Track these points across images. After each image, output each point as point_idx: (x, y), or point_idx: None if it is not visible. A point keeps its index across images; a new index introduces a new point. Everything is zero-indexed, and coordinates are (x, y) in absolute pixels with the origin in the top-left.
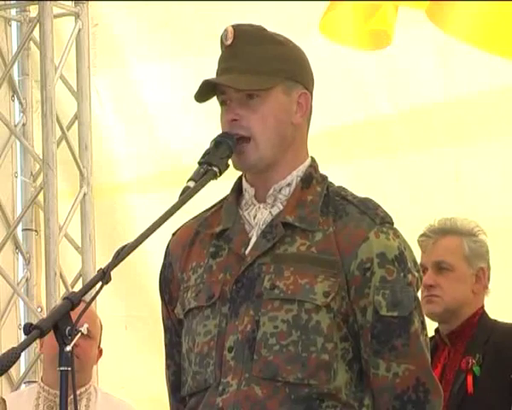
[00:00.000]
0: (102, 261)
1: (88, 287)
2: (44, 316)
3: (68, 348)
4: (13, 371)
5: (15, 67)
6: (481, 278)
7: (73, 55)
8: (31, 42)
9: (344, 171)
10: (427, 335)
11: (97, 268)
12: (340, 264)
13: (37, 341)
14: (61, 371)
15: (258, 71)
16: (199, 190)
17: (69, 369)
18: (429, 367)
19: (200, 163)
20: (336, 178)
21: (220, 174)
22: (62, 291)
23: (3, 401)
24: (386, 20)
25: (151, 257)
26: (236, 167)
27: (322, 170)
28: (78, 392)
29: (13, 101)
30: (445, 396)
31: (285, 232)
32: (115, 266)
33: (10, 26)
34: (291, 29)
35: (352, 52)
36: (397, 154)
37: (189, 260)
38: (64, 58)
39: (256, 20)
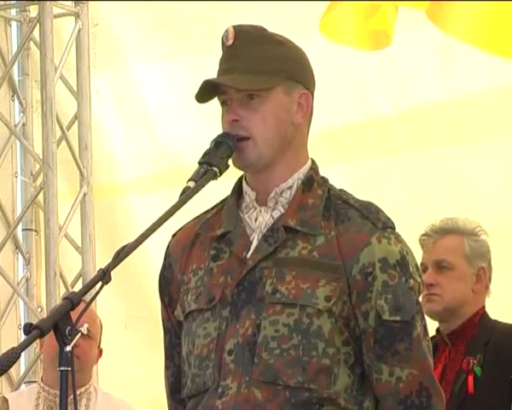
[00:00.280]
0: (102, 261)
1: (88, 287)
2: (44, 316)
3: (68, 348)
4: (13, 371)
5: (15, 67)
6: (482, 277)
7: (73, 55)
8: (31, 42)
9: (344, 171)
10: (429, 339)
11: (97, 268)
12: (341, 268)
13: (37, 341)
14: (61, 371)
15: (258, 71)
16: (199, 190)
17: (69, 369)
18: (432, 372)
19: (200, 163)
20: (336, 179)
21: (220, 174)
22: (62, 291)
23: (6, 400)
24: (386, 20)
25: (151, 257)
26: (236, 165)
27: (322, 170)
28: (77, 392)
29: (13, 101)
30: (446, 396)
31: (287, 236)
32: (115, 266)
33: (10, 26)
34: (291, 29)
35: (352, 52)
36: (397, 154)
37: (190, 262)
38: (64, 58)
39: (256, 20)
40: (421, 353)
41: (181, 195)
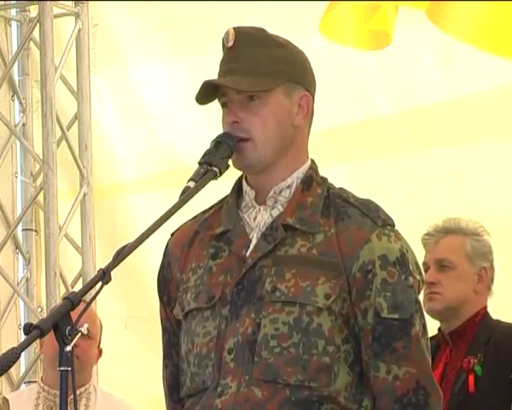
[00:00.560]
0: (102, 261)
1: (88, 287)
2: (44, 316)
3: (68, 348)
4: (13, 371)
5: (15, 67)
6: (484, 277)
7: (73, 55)
8: (31, 42)
9: (344, 171)
10: (427, 338)
11: (97, 268)
12: (341, 266)
13: (37, 341)
14: (61, 371)
15: (259, 73)
16: (199, 190)
17: (69, 369)
18: (430, 371)
19: (200, 163)
20: (336, 179)
21: (220, 174)
22: (62, 291)
23: (6, 400)
24: (386, 20)
25: (151, 257)
26: (235, 166)
27: (323, 170)
28: (77, 392)
29: (13, 101)
30: (446, 396)
31: (286, 234)
32: (115, 266)
33: (10, 26)
34: (291, 29)
35: (352, 52)
36: (397, 154)
37: (188, 260)
38: (64, 58)
39: (256, 20)
40: (419, 351)
41: (181, 195)
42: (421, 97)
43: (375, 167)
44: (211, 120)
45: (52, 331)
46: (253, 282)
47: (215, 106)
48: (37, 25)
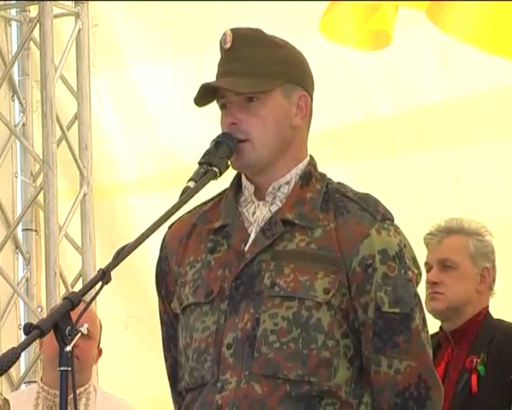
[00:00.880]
0: (102, 261)
1: (88, 287)
2: (44, 316)
3: (68, 348)
4: (13, 371)
5: (15, 67)
6: (486, 277)
7: (73, 55)
8: (31, 42)
9: (344, 171)
10: (428, 332)
11: (97, 268)
12: (340, 260)
13: (37, 341)
14: (61, 371)
15: (257, 74)
16: (199, 190)
17: (69, 369)
18: (431, 364)
19: (200, 163)
20: (336, 178)
21: (220, 174)
22: (62, 291)
23: (7, 401)
24: (386, 20)
25: (151, 257)
26: (234, 166)
27: (323, 170)
28: (77, 392)
29: (13, 101)
30: (449, 395)
31: (284, 229)
32: (115, 266)
33: (10, 26)
34: (291, 29)
35: (352, 52)
36: (397, 154)
37: (186, 254)
38: (64, 58)
39: (256, 21)
40: (420, 345)
41: (181, 195)
42: (421, 97)
43: (375, 167)
44: (211, 120)
45: (52, 331)
46: (252, 277)
47: (215, 106)
48: (37, 25)
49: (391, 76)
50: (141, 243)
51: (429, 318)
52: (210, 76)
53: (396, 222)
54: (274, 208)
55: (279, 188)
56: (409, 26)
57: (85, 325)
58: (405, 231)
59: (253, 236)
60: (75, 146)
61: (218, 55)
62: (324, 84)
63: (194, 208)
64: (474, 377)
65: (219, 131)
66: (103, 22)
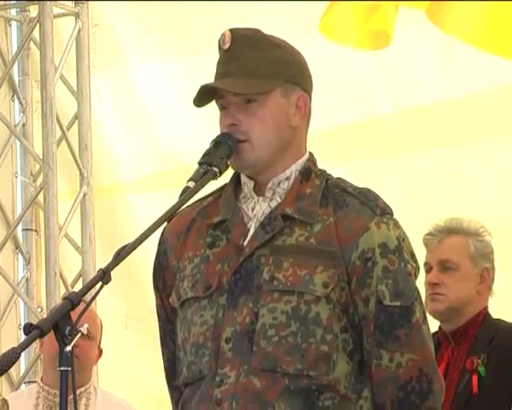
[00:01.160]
0: (102, 261)
1: (88, 287)
2: (44, 316)
3: (68, 348)
4: (13, 371)
5: (15, 67)
6: (486, 278)
7: (73, 55)
8: (31, 42)
9: (344, 171)
10: (428, 325)
11: (97, 268)
12: (339, 255)
13: (37, 340)
14: (61, 371)
15: (256, 74)
16: (199, 190)
17: (69, 369)
18: (432, 357)
19: (200, 163)
20: None
21: (220, 174)
22: (62, 291)
23: (6, 401)
24: (386, 20)
25: (151, 257)
26: (233, 167)
27: None
28: (77, 392)
29: (13, 101)
30: (450, 396)
31: (284, 224)
32: (115, 266)
33: (10, 26)
34: (291, 29)
35: (352, 52)
36: (397, 154)
37: (185, 248)
38: (64, 58)
39: (256, 20)
40: (421, 338)
41: (181, 195)
42: (421, 97)
43: (375, 167)
44: (211, 120)
45: (52, 331)
46: (251, 271)
47: (215, 106)
48: (37, 25)
49: (391, 76)
50: (141, 243)
51: (428, 318)
52: (210, 76)
53: (393, 212)
54: (273, 204)
55: (279, 184)
56: (409, 26)
57: (85, 325)
58: (405, 230)
59: (252, 231)
60: (75, 146)
61: (217, 56)
62: (324, 84)
63: (194, 203)
64: (474, 378)
65: (219, 131)
66: (103, 22)
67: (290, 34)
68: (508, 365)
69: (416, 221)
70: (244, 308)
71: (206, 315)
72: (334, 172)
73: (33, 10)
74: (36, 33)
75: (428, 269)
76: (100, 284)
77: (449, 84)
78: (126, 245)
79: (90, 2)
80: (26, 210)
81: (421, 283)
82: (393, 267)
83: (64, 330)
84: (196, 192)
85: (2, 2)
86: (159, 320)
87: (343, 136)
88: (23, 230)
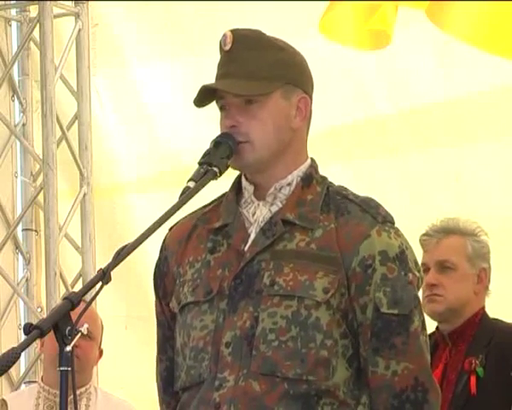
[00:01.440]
0: (102, 261)
1: (88, 287)
2: (44, 316)
3: (68, 349)
4: (13, 371)
5: (15, 67)
6: (483, 278)
7: (73, 55)
8: (31, 42)
9: (344, 171)
10: (426, 335)
11: (97, 268)
12: (340, 261)
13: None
14: (61, 371)
15: (257, 76)
16: (199, 190)
17: (69, 369)
18: (428, 367)
19: (200, 163)
20: (336, 178)
21: (220, 174)
22: (62, 291)
23: (4, 402)
24: (386, 20)
25: (151, 257)
26: (233, 166)
27: (323, 170)
28: (78, 392)
29: (13, 101)
30: (448, 397)
31: (284, 229)
32: (115, 266)
33: (10, 26)
34: (291, 29)
35: (352, 52)
36: (397, 154)
37: (186, 254)
38: (64, 58)
39: (256, 20)
40: (418, 347)
41: (181, 195)
42: (421, 97)
43: (375, 167)
44: (211, 120)
45: (52, 331)
46: (252, 276)
47: (215, 106)
48: (37, 25)
49: (391, 76)
50: (141, 243)
51: (426, 318)
52: (210, 76)
53: (396, 222)
54: (274, 209)
55: (280, 189)
56: (409, 26)
57: (85, 325)
58: (405, 231)
59: (253, 236)
60: (75, 146)
61: (218, 56)
62: (324, 84)
63: (195, 212)
64: (472, 379)
65: (219, 131)
66: (103, 22)
67: (290, 34)
68: (507, 365)
69: (415, 221)
70: (244, 313)
71: (207, 320)
72: (334, 172)
73: (33, 10)
74: (36, 33)
75: (425, 270)
76: (100, 284)
77: (449, 84)
78: (126, 245)
79: (90, 2)
80: (26, 210)
81: None
82: (392, 275)
83: (64, 331)
84: (196, 192)
85: (2, 3)
86: (158, 327)
87: (343, 136)
88: (23, 230)
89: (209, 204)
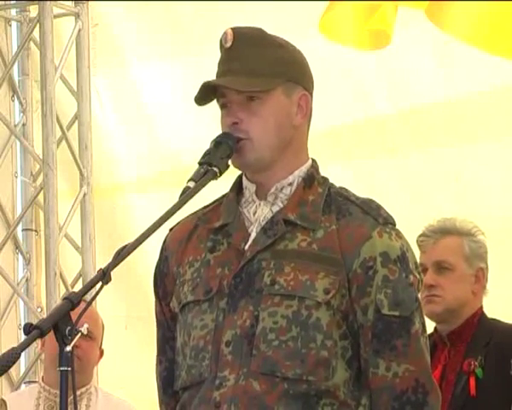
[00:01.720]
0: (102, 261)
1: (88, 287)
2: (44, 316)
3: (68, 349)
4: (13, 371)
5: (15, 67)
6: (480, 278)
7: (73, 55)
8: (31, 42)
9: (344, 171)
10: (427, 337)
11: (97, 268)
12: (341, 262)
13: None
14: (61, 371)
15: (258, 73)
16: (199, 190)
17: (69, 369)
18: (429, 369)
19: (200, 163)
20: (336, 178)
21: (220, 174)
22: (62, 291)
23: (4, 402)
24: (386, 20)
25: (151, 257)
26: (234, 165)
27: (323, 170)
28: (78, 392)
29: (13, 101)
30: (447, 398)
31: (286, 229)
32: (115, 266)
33: (10, 26)
34: (291, 29)
35: (352, 52)
36: (397, 154)
37: (186, 254)
38: (64, 58)
39: (256, 20)
40: (419, 349)
41: (181, 195)
42: (421, 97)
43: (375, 167)
44: (211, 120)
45: (52, 331)
46: (252, 275)
47: (215, 106)
48: (37, 25)
49: (391, 76)
50: (141, 243)
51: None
52: (210, 76)
53: (396, 222)
54: (275, 208)
55: (281, 189)
56: (409, 26)
57: (85, 325)
58: (405, 231)
59: (253, 235)
60: (75, 146)
61: (218, 55)
62: (324, 84)
63: (196, 212)
64: (472, 380)
65: (220, 131)
66: (103, 22)
67: (290, 34)
68: (506, 366)
69: (415, 221)
70: (244, 312)
71: (207, 319)
72: (334, 172)
73: (33, 10)
74: (36, 33)
75: (423, 270)
76: (100, 284)
77: (449, 84)
78: (126, 245)
79: (90, 2)
80: (26, 210)
81: None
82: (394, 277)
83: (64, 331)
84: (196, 192)
85: (2, 3)
86: (159, 328)
87: (343, 136)
88: (23, 230)
89: (210, 204)
